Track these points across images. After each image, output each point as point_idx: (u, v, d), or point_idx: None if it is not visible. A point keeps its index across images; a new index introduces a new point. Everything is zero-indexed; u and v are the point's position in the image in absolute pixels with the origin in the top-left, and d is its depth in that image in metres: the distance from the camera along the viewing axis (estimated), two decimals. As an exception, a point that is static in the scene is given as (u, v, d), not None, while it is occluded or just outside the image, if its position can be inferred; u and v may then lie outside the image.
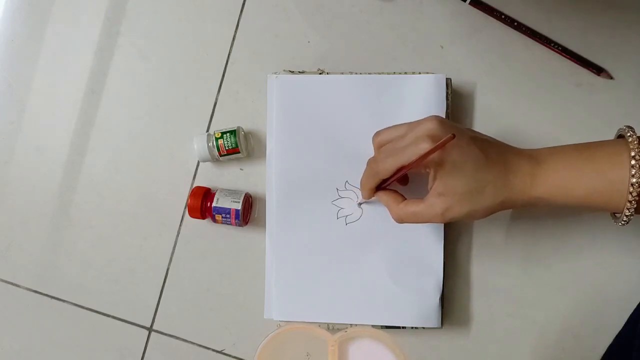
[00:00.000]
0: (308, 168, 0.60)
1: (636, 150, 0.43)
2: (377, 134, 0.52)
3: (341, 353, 0.49)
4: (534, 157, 0.48)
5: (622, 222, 0.46)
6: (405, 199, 0.51)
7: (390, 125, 0.52)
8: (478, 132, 0.50)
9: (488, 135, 0.50)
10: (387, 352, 0.49)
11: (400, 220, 0.50)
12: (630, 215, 0.45)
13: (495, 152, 0.48)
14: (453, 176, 0.46)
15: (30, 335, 0.67)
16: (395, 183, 0.53)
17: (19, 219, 0.67)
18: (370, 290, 0.60)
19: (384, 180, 0.51)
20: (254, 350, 0.63)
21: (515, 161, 0.48)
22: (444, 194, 0.46)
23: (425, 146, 0.45)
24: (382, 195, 0.53)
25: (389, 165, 0.48)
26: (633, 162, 0.43)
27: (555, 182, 0.46)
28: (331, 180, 0.60)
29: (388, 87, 0.60)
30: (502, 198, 0.47)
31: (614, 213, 0.48)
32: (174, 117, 0.65)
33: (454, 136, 0.43)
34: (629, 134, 0.45)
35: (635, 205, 0.44)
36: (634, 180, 0.43)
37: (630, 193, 0.43)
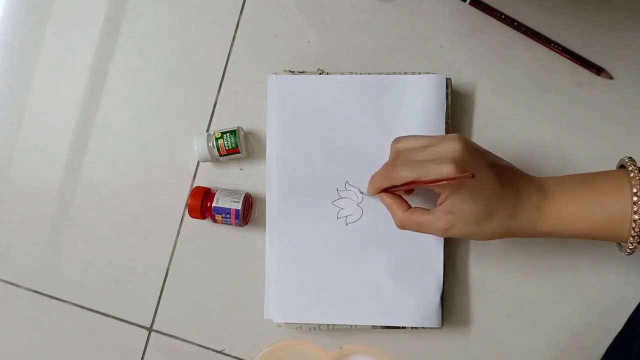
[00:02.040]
0: (308, 168, 0.60)
1: (637, 187, 0.44)
2: (397, 140, 0.52)
3: None
4: (542, 187, 0.48)
5: (627, 252, 0.47)
6: (410, 206, 0.52)
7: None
8: (496, 156, 0.51)
9: (501, 158, 0.51)
10: None
11: (402, 226, 0.52)
12: (634, 247, 0.46)
13: (509, 180, 0.48)
14: (466, 200, 0.46)
15: (30, 335, 0.67)
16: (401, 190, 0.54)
17: (19, 219, 0.67)
18: (370, 290, 0.60)
19: (394, 186, 0.52)
20: (254, 351, 0.63)
21: (526, 191, 0.48)
22: (453, 212, 0.47)
23: (448, 170, 0.45)
24: (386, 198, 0.53)
25: (404, 175, 0.48)
26: (635, 198, 0.44)
27: (560, 217, 0.47)
28: (331, 180, 0.60)
29: (388, 87, 0.60)
30: (507, 228, 0.48)
31: (619, 243, 0.49)
32: (174, 117, 0.65)
33: (472, 176, 0.44)
34: (630, 168, 0.46)
35: (638, 240, 0.45)
36: (636, 217, 0.44)
37: (633, 229, 0.45)
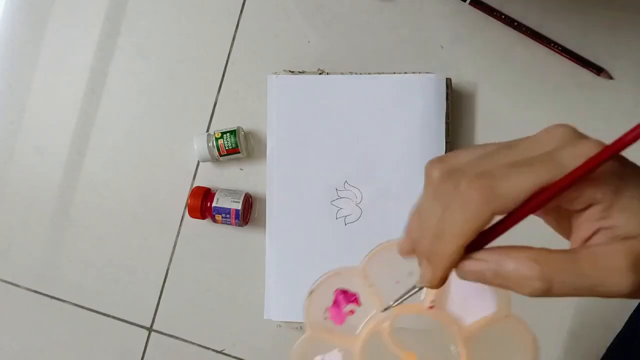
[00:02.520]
0: (308, 168, 0.60)
1: None
2: (441, 159, 0.27)
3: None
4: None
5: None
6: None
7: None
8: None
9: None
10: (490, 291, 0.41)
11: (546, 281, 0.23)
12: None
13: None
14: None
15: (30, 335, 0.67)
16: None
17: (19, 219, 0.67)
18: (370, 290, 0.60)
19: (484, 233, 0.25)
20: (254, 351, 0.63)
21: None
22: (630, 236, 0.24)
23: (590, 147, 0.24)
24: (489, 254, 0.25)
25: (522, 182, 0.23)
26: None
27: None
28: (330, 180, 0.60)
29: (388, 87, 0.60)
30: None
31: None
32: (174, 117, 0.65)
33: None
34: None
35: None
36: None
37: None
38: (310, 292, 0.41)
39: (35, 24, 0.67)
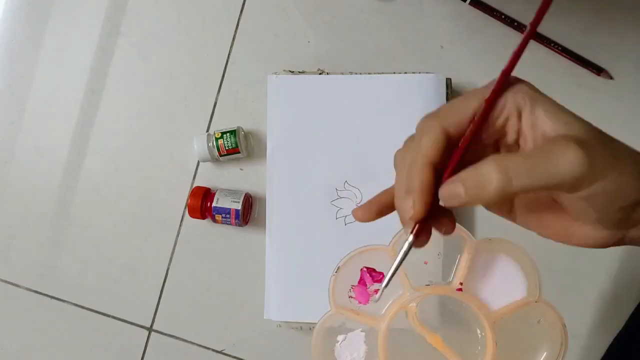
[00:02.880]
0: (308, 168, 0.60)
1: None
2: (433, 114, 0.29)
3: (474, 261, 0.40)
4: None
5: None
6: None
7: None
8: None
9: None
10: (520, 276, 0.40)
11: (506, 181, 0.24)
12: None
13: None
14: (562, 110, 0.28)
15: (30, 335, 0.67)
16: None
17: (19, 219, 0.67)
18: (370, 290, 0.59)
19: (441, 163, 0.27)
20: (254, 351, 0.63)
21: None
22: (565, 130, 0.27)
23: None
24: (458, 175, 0.26)
25: (462, 101, 0.27)
26: None
27: None
28: (330, 180, 0.60)
29: (388, 87, 0.60)
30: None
31: None
32: (174, 117, 0.65)
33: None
34: None
35: None
36: None
37: None
38: (337, 269, 0.40)
39: (35, 24, 0.67)
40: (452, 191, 0.26)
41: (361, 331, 0.41)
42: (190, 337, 0.64)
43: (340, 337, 0.41)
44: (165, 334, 0.65)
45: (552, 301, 0.63)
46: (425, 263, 0.40)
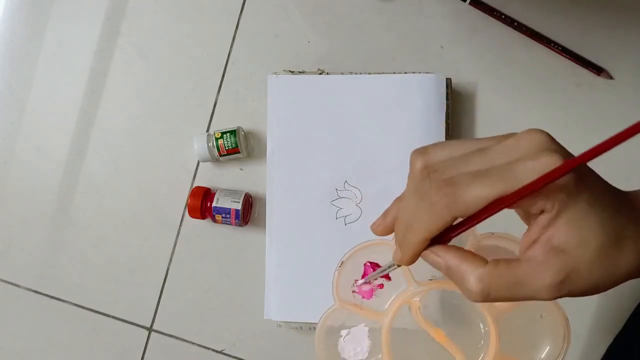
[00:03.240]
0: (308, 168, 0.60)
1: None
2: (423, 151, 0.30)
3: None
4: None
5: None
6: (485, 259, 0.29)
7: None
8: None
9: None
10: None
11: (484, 295, 0.28)
12: None
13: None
14: (586, 220, 0.27)
15: (30, 335, 0.67)
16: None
17: (19, 219, 0.67)
18: (370, 290, 0.59)
19: (449, 229, 0.29)
20: (254, 351, 0.63)
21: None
22: (566, 249, 0.27)
23: (551, 161, 0.26)
24: (446, 253, 0.29)
25: (479, 192, 0.26)
26: None
27: None
28: (330, 180, 0.60)
29: (388, 87, 0.60)
30: None
31: None
32: (174, 117, 0.65)
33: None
34: None
35: None
36: None
37: None
38: (340, 264, 0.40)
39: (35, 24, 0.67)
40: (436, 264, 0.29)
41: (364, 326, 0.41)
42: (190, 337, 0.64)
43: (343, 332, 0.41)
44: (165, 334, 0.65)
45: (552, 301, 0.63)
46: None
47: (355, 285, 0.41)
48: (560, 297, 0.28)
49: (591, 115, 0.61)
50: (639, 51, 0.61)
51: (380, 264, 0.40)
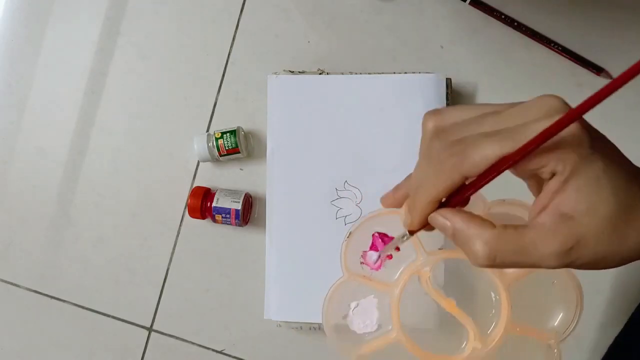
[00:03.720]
0: (308, 168, 0.60)
1: None
2: (435, 114, 0.30)
3: None
4: None
5: None
6: (492, 223, 0.28)
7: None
8: None
9: None
10: None
11: (490, 259, 0.27)
12: None
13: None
14: (597, 186, 0.26)
15: (30, 335, 0.67)
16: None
17: (19, 219, 0.67)
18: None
19: (455, 192, 0.28)
20: (254, 351, 0.63)
21: None
22: (575, 216, 0.26)
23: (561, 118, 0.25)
24: (453, 216, 0.28)
25: (487, 151, 0.26)
26: None
27: None
28: (330, 180, 0.60)
29: (388, 87, 0.60)
30: None
31: None
32: (174, 117, 0.65)
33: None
34: None
35: None
36: None
37: None
38: (348, 234, 0.40)
39: (35, 24, 0.67)
40: (443, 228, 0.29)
41: (373, 297, 0.40)
42: (190, 337, 0.64)
43: (352, 304, 0.40)
44: (165, 334, 0.65)
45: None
46: None
47: (363, 256, 0.40)
48: (567, 266, 0.27)
49: (591, 115, 0.61)
50: (639, 51, 0.61)
51: (388, 235, 0.40)
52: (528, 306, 0.39)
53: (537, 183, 0.29)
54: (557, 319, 0.39)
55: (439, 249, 0.39)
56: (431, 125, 0.29)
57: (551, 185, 0.26)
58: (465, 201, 0.30)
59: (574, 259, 0.26)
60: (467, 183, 0.28)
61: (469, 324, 0.38)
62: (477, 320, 0.39)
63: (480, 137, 0.26)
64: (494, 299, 0.39)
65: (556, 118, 0.24)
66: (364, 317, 0.40)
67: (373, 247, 0.40)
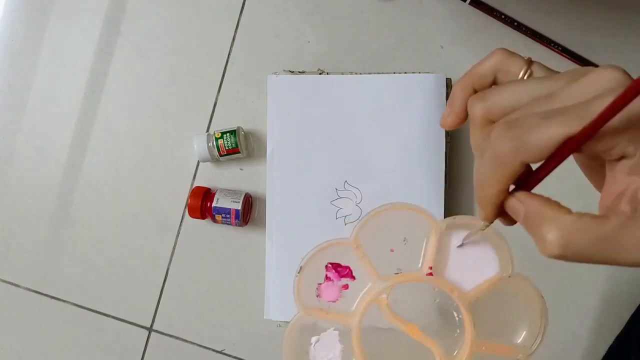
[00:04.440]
0: (308, 168, 0.60)
1: None
2: (483, 97, 0.27)
3: (442, 244, 0.38)
4: None
5: None
6: (570, 210, 0.25)
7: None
8: None
9: None
10: (490, 252, 0.38)
11: (562, 246, 0.24)
12: None
13: None
14: None
15: (30, 335, 0.67)
16: None
17: (19, 219, 0.67)
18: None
19: (521, 178, 0.26)
20: (254, 351, 0.63)
21: None
22: None
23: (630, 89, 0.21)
24: (528, 199, 0.26)
25: (552, 132, 0.23)
26: None
27: None
28: (330, 180, 0.60)
29: (388, 87, 0.60)
30: None
31: None
32: (174, 117, 0.65)
33: None
34: None
35: None
36: None
37: None
38: (299, 269, 0.39)
39: (35, 24, 0.67)
40: (516, 212, 0.26)
41: (334, 330, 0.40)
42: (190, 337, 0.64)
43: (313, 339, 0.40)
44: (165, 334, 0.65)
45: (551, 303, 0.63)
46: (392, 251, 0.39)
47: (319, 289, 0.40)
48: None
49: (591, 115, 0.61)
50: (639, 51, 0.61)
51: (341, 264, 0.40)
52: (493, 322, 0.39)
53: (597, 167, 0.26)
54: (523, 334, 0.38)
55: (395, 273, 0.39)
56: (479, 112, 0.27)
57: (622, 168, 0.23)
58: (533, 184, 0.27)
59: None
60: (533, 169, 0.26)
61: (434, 347, 0.38)
62: (442, 342, 0.38)
63: (539, 118, 0.23)
64: (457, 318, 0.38)
65: (620, 91, 0.21)
66: (327, 351, 0.40)
67: (327, 279, 0.40)
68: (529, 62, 0.29)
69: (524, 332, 0.38)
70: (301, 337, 0.40)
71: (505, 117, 0.25)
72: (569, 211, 0.24)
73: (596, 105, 0.22)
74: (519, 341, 0.38)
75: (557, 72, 0.27)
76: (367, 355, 0.38)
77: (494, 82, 0.29)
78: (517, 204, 0.26)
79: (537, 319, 0.37)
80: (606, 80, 0.24)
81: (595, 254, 0.23)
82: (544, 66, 0.28)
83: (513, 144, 0.23)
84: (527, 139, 0.23)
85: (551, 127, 0.23)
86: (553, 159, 0.24)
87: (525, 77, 0.28)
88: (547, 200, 0.25)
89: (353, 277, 0.39)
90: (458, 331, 0.38)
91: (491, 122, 0.26)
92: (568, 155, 0.23)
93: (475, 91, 0.29)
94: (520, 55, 0.29)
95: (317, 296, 0.40)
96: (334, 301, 0.40)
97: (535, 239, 0.25)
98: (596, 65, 0.60)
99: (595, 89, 0.24)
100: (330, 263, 0.39)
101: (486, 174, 0.25)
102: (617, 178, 0.24)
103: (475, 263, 0.37)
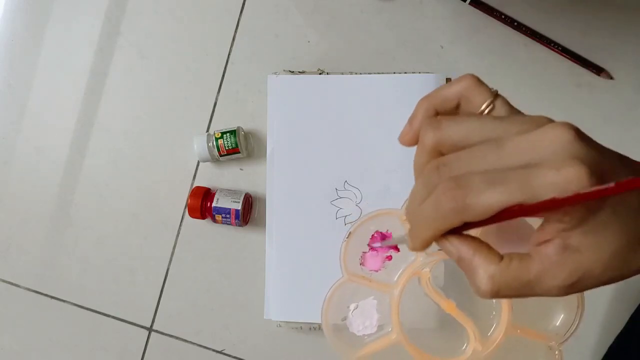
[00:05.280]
0: (308, 168, 0.60)
1: None
2: (437, 125, 0.29)
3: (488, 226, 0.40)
4: None
5: None
6: (499, 253, 0.27)
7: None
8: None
9: None
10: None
11: (493, 293, 0.27)
12: None
13: None
14: (606, 228, 0.25)
15: (30, 335, 0.67)
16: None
17: (19, 219, 0.67)
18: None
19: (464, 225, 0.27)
20: (254, 351, 0.63)
21: None
22: (581, 250, 0.25)
23: (580, 178, 0.23)
24: (460, 244, 0.27)
25: (492, 200, 0.24)
26: None
27: None
28: (330, 180, 0.60)
29: (388, 87, 0.60)
30: None
31: None
32: (174, 117, 0.65)
33: (619, 188, 0.22)
34: None
35: None
36: None
37: None
38: (348, 235, 0.39)
39: (35, 24, 0.67)
40: (449, 253, 0.28)
41: (373, 299, 0.40)
42: (190, 337, 0.64)
43: (352, 306, 0.40)
44: (165, 334, 0.65)
45: (552, 300, 0.63)
46: None
47: (363, 257, 0.40)
48: (570, 294, 0.27)
49: (591, 115, 0.61)
50: (639, 51, 0.61)
51: (388, 234, 0.39)
52: (529, 308, 0.39)
53: None
54: (558, 321, 0.39)
55: (439, 249, 0.39)
56: (430, 141, 0.28)
57: (556, 225, 0.25)
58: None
59: (578, 289, 0.26)
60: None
61: (470, 326, 0.38)
62: (478, 322, 0.38)
63: (482, 181, 0.25)
64: (494, 301, 0.38)
65: (567, 170, 0.23)
66: (364, 318, 0.40)
67: (373, 248, 0.40)
68: (494, 96, 0.29)
69: (559, 320, 0.38)
70: (341, 302, 0.40)
71: (452, 168, 0.26)
72: (498, 257, 0.27)
73: (540, 177, 0.24)
74: (552, 328, 0.38)
75: (518, 113, 0.29)
76: (403, 327, 0.38)
77: (458, 107, 0.30)
78: (450, 247, 0.27)
79: (573, 308, 0.37)
80: (555, 142, 0.25)
81: (523, 294, 0.26)
82: (508, 103, 0.29)
83: (457, 204, 0.25)
84: (469, 203, 0.24)
85: (493, 196, 0.24)
86: (492, 220, 0.25)
87: (486, 111, 0.29)
88: (479, 247, 0.27)
89: (398, 249, 0.39)
90: (494, 313, 0.38)
91: (440, 153, 0.27)
92: (501, 220, 0.25)
93: (437, 113, 0.32)
94: (487, 87, 0.29)
95: (360, 264, 0.40)
96: (377, 271, 0.39)
97: (469, 281, 0.27)
98: (596, 65, 0.60)
99: (543, 149, 0.25)
100: (379, 231, 0.39)
101: (426, 217, 0.26)
102: (549, 228, 0.26)
103: (521, 241, 0.36)
